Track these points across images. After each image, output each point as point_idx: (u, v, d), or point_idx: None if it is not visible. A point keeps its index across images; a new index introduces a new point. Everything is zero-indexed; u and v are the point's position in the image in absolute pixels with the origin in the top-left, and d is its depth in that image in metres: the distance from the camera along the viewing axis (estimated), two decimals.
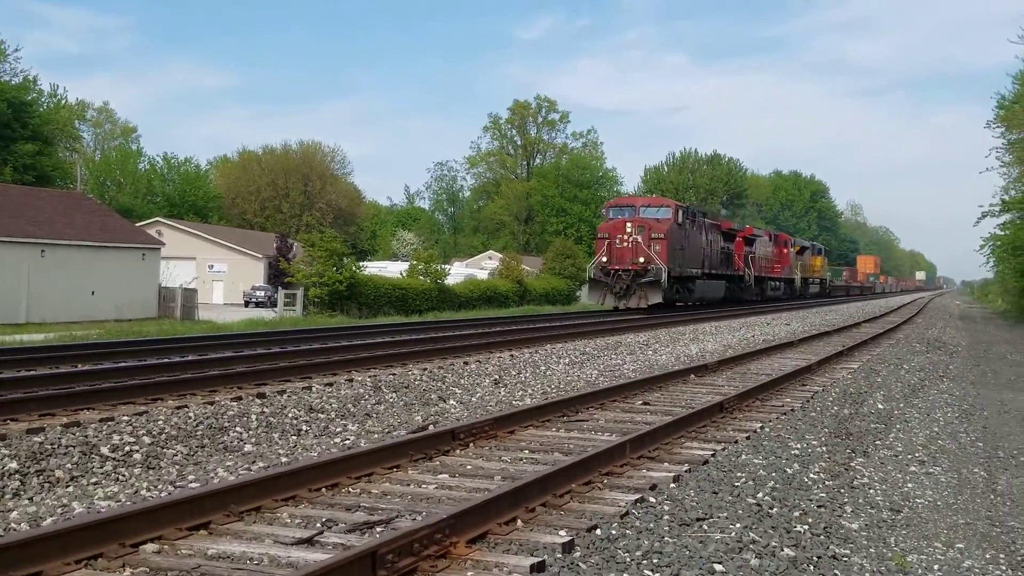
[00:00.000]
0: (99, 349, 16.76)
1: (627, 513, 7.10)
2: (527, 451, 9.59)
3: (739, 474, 8.53)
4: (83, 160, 72.09)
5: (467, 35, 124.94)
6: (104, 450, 9.05)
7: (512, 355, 19.11)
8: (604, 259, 38.65)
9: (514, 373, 16.66)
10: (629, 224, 38.76)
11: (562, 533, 6.52)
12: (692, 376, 16.23)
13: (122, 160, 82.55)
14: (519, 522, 6.74)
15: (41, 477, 8.21)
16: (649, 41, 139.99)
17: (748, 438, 10.51)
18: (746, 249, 53.17)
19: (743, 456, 9.37)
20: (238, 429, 10.65)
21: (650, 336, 25.90)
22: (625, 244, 38.61)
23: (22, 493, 7.84)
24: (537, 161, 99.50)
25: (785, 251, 63.83)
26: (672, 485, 8.05)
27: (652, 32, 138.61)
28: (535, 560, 5.84)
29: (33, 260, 29.82)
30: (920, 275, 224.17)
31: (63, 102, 72.88)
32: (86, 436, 9.35)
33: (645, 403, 13.03)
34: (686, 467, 8.78)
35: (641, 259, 37.91)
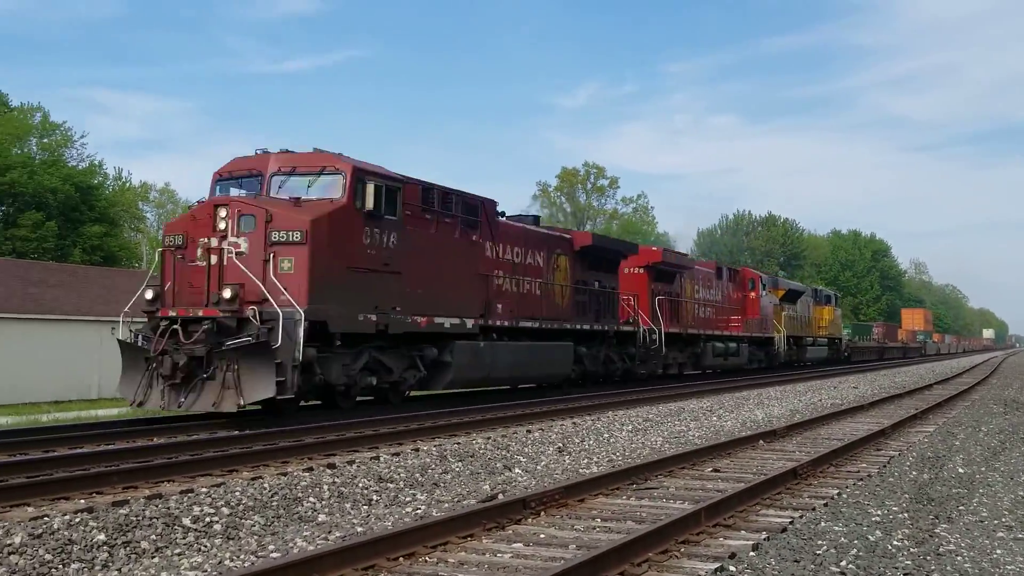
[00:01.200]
0: (172, 423, 17.09)
1: None
2: (599, 519, 9.62)
3: (820, 542, 8.48)
4: (147, 240, 73.75)
5: (509, 105, 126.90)
6: (186, 521, 9.25)
7: (574, 422, 19.13)
8: (149, 295, 17.56)
9: (577, 441, 16.68)
10: (224, 210, 17.41)
11: None
12: (761, 442, 16.14)
13: None
14: None
15: (128, 548, 8.41)
16: (696, 104, 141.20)
17: (826, 504, 10.43)
18: (654, 285, 33.45)
19: (822, 523, 9.31)
20: (311, 499, 10.80)
21: (713, 402, 25.75)
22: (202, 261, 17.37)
23: (111, 564, 8.04)
24: (588, 227, 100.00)
25: (750, 295, 43.94)
26: (752, 553, 8.02)
27: (699, 94, 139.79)
28: None
29: (105, 336, 30.53)
30: (988, 333, 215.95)
31: (127, 184, 74.83)
32: (168, 508, 9.56)
33: (715, 470, 12.99)
34: (764, 535, 8.75)
35: (227, 293, 16.69)
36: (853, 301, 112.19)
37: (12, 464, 11.40)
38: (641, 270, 33.26)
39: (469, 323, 22.13)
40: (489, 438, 16.05)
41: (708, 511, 9.18)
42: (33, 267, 36.62)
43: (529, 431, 17.35)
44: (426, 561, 7.78)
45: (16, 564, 7.72)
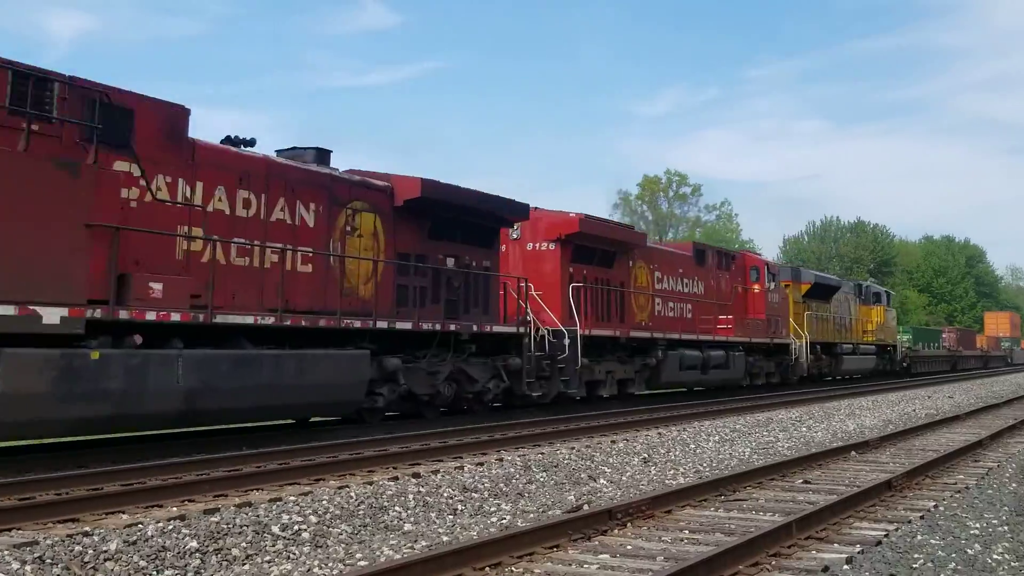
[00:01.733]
0: (258, 432, 17.39)
1: None
2: (687, 531, 9.48)
3: (916, 555, 8.24)
4: None
5: (589, 113, 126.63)
6: (275, 529, 9.37)
7: (659, 433, 18.95)
8: None
9: (663, 451, 16.51)
10: None
11: None
12: (853, 453, 15.78)
13: None
14: None
15: (219, 555, 8.54)
16: (781, 109, 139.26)
17: (922, 517, 10.14)
18: (573, 268, 24.16)
19: (918, 536, 9.04)
20: (397, 508, 10.86)
21: (802, 412, 25.29)
22: None
23: (203, 571, 8.17)
24: (670, 236, 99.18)
25: (752, 288, 34.04)
26: (846, 567, 7.82)
27: (784, 99, 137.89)
28: None
29: None
30: None
31: None
32: (258, 515, 9.70)
33: (805, 481, 12.72)
34: (858, 548, 8.53)
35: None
36: (947, 308, 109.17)
37: (108, 472, 11.68)
38: (551, 246, 23.80)
39: (51, 315, 12.02)
40: (573, 448, 15.98)
41: (799, 523, 9.00)
42: None
43: (614, 441, 17.23)
44: (512, 571, 7.75)
45: (112, 570, 7.89)
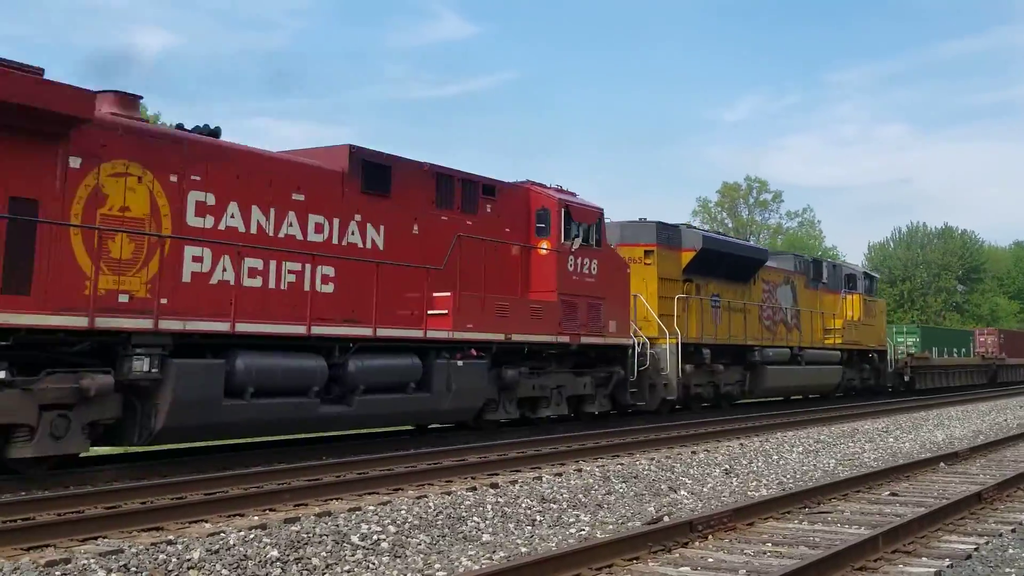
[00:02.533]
0: (337, 441, 17.54)
1: None
2: (769, 544, 9.29)
3: (1007, 569, 7.96)
4: None
5: (666, 120, 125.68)
6: (354, 539, 9.41)
7: (742, 444, 18.67)
8: None
9: (745, 463, 16.26)
10: None
11: None
12: (942, 464, 15.36)
13: None
14: None
15: (300, 565, 8.60)
16: (863, 113, 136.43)
17: (1013, 530, 9.80)
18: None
19: (1010, 550, 8.74)
20: (475, 519, 10.84)
21: (889, 422, 24.73)
22: None
23: None
24: (751, 243, 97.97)
25: (541, 248, 19.70)
26: None
27: (866, 104, 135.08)
28: None
29: None
30: None
31: None
32: (337, 525, 9.76)
33: (892, 494, 12.40)
34: (947, 562, 8.27)
35: None
36: None
37: (191, 482, 11.87)
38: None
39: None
40: (653, 459, 15.81)
41: (886, 536, 8.76)
42: None
43: (694, 452, 17.02)
44: None
45: None
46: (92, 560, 8.00)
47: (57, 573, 7.62)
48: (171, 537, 8.97)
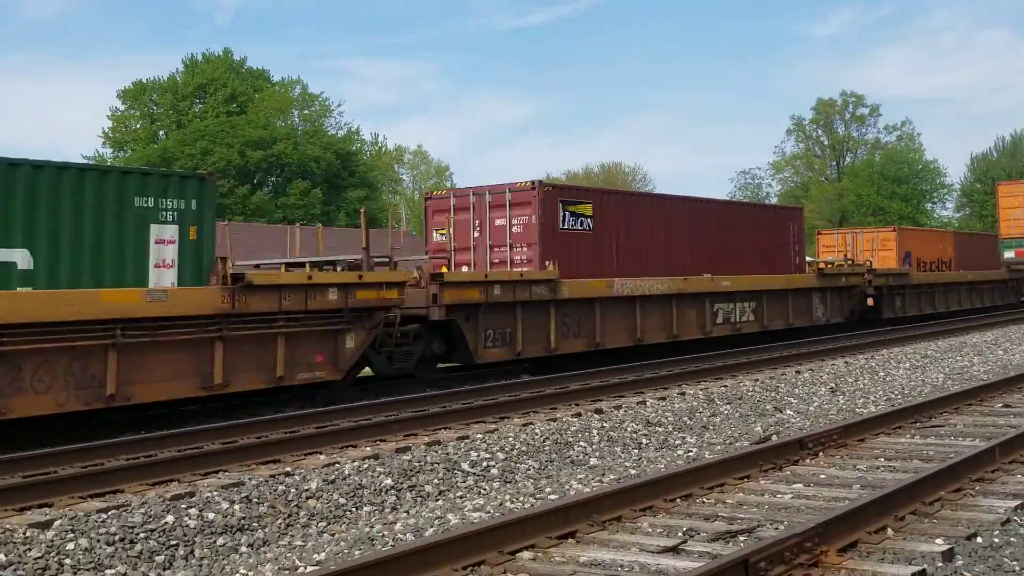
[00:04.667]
0: (445, 373, 17.78)
1: (1008, 520, 6.67)
2: (882, 459, 9.19)
3: None
4: (404, 201, 76.91)
5: (758, 38, 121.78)
6: (464, 466, 9.58)
7: (846, 362, 18.40)
8: None
9: (851, 380, 16.05)
10: None
11: (939, 541, 6.20)
12: None
13: None
14: (889, 531, 6.47)
15: (413, 492, 8.81)
16: (962, 20, 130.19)
17: None
18: None
19: None
20: (582, 444, 10.94)
21: (998, 335, 24.13)
22: None
23: (399, 507, 8.45)
24: (848, 160, 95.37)
25: None
26: None
27: (965, 10, 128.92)
28: (915, 569, 5.60)
29: None
30: None
31: (383, 149, 78.10)
32: (447, 453, 9.94)
33: (1006, 405, 12.13)
34: None
35: None
36: None
37: (302, 416, 12.18)
38: None
39: None
40: (757, 380, 15.69)
41: (1003, 447, 8.59)
42: (330, 234, 38.72)
43: (799, 372, 16.83)
44: (703, 502, 7.68)
45: (314, 508, 8.24)
46: (215, 492, 8.29)
47: (183, 505, 7.92)
48: (288, 469, 9.22)
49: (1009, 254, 37.31)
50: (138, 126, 59.06)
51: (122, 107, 59.57)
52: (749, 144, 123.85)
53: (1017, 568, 5.61)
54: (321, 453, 10.10)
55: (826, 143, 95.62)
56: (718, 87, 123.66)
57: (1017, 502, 7.06)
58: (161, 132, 58.13)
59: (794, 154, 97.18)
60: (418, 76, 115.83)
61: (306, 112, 63.30)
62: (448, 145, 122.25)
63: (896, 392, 14.49)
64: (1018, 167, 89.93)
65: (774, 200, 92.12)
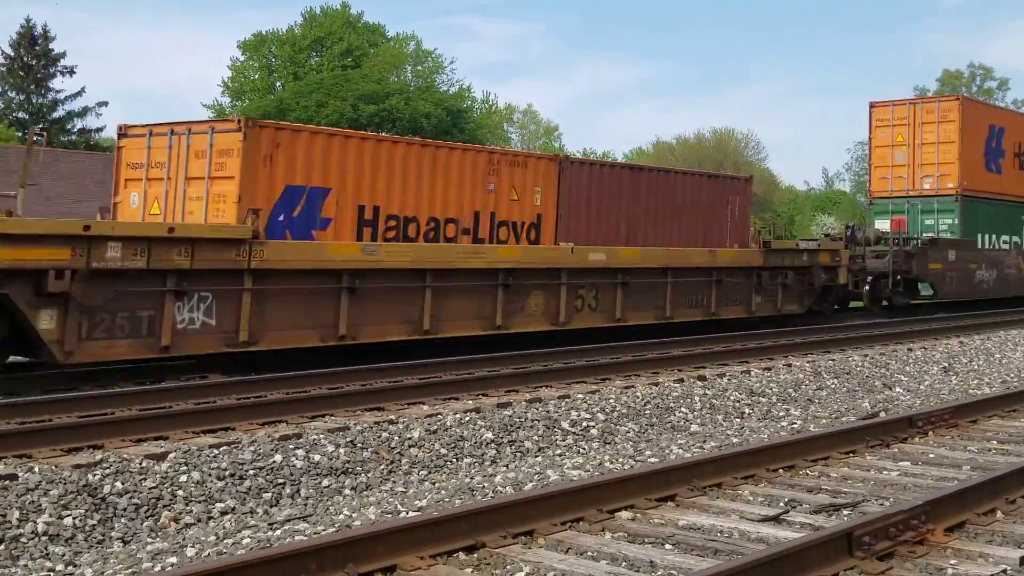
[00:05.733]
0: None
1: None
2: (995, 441, 8.93)
3: None
4: None
5: (882, 8, 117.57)
6: (564, 425, 9.63)
7: (961, 342, 17.86)
8: None
9: (965, 361, 15.60)
10: None
11: None
12: None
13: None
14: (999, 513, 6.31)
15: (513, 447, 8.90)
16: None
17: None
18: None
19: None
20: (683, 410, 10.88)
21: None
22: None
23: (499, 460, 8.55)
24: None
25: None
26: None
27: None
28: (1023, 552, 5.44)
29: None
30: None
31: (493, 107, 78.22)
32: (547, 411, 9.99)
33: None
34: None
35: None
36: None
37: (405, 367, 12.37)
38: None
39: None
40: (866, 355, 15.36)
41: None
42: None
43: (910, 349, 16.42)
44: (807, 474, 7.58)
45: (416, 456, 8.39)
46: (321, 436, 8.49)
47: (291, 446, 8.14)
48: (392, 417, 9.39)
49: (883, 224, 26.26)
50: (256, 77, 60.34)
51: (242, 58, 60.97)
52: (866, 116, 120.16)
53: None
54: (424, 404, 10.25)
55: None
56: (837, 58, 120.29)
57: None
58: (278, 83, 59.27)
59: None
60: (528, 36, 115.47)
61: (419, 68, 63.77)
62: (557, 106, 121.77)
63: (1012, 375, 14.04)
64: None
65: None
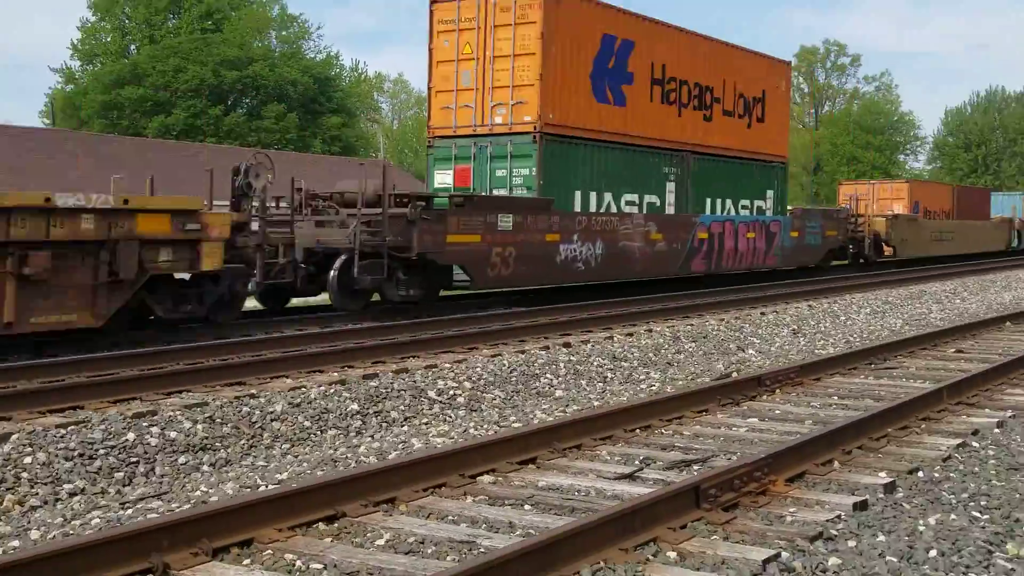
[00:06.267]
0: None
1: (949, 457, 6.93)
2: (836, 397, 9.46)
3: None
4: (383, 130, 76.51)
5: None
6: (431, 394, 9.75)
7: (810, 305, 18.70)
8: None
9: (813, 323, 16.34)
10: None
11: (882, 475, 6.45)
12: (1008, 324, 15.32)
13: (418, 128, 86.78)
14: (836, 464, 6.72)
15: (379, 417, 8.97)
16: None
17: None
18: None
19: None
20: (548, 376, 11.13)
21: (957, 284, 24.53)
22: None
23: (364, 431, 8.61)
24: (826, 108, 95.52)
25: None
26: (996, 430, 7.77)
27: None
28: (857, 499, 5.84)
29: None
30: None
31: (363, 76, 77.30)
32: (414, 381, 10.09)
33: (958, 351, 12.45)
34: (1010, 413, 8.41)
35: None
36: None
37: (270, 340, 12.27)
38: None
39: None
40: (722, 320, 15.94)
41: (950, 390, 8.88)
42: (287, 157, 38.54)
43: (763, 313, 17.11)
44: (662, 433, 7.91)
45: (278, 430, 8.38)
46: (177, 412, 8.34)
47: (145, 423, 7.97)
48: (253, 391, 9.32)
49: (445, 175, 19.24)
50: (108, 39, 57.86)
51: (93, 19, 58.31)
52: None
53: (953, 501, 5.85)
54: (288, 377, 10.19)
55: (806, 91, 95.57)
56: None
57: (959, 440, 7.33)
58: (132, 46, 57.11)
59: None
60: (401, 3, 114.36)
61: (284, 34, 62.39)
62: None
63: (855, 335, 14.80)
64: (990, 123, 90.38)
65: None
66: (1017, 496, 5.93)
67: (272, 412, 8.65)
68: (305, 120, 55.83)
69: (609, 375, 11.51)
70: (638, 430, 7.88)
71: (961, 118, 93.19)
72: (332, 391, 9.45)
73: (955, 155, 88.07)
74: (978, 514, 5.60)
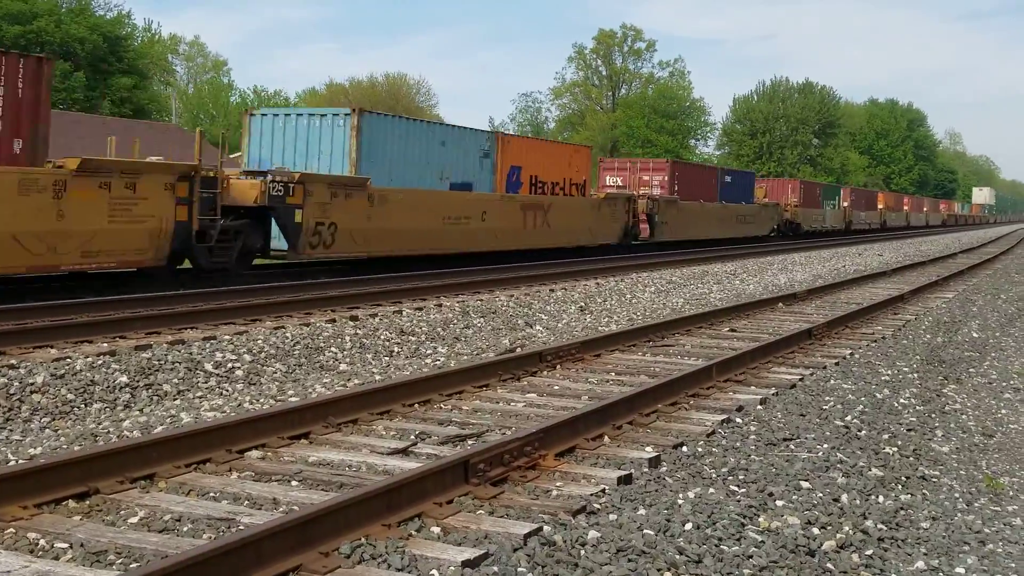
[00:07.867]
0: (198, 273, 17.27)
1: (713, 432, 7.22)
2: (613, 373, 9.73)
3: (827, 398, 8.56)
4: (177, 93, 73.49)
5: None
6: (208, 367, 9.43)
7: (598, 283, 19.19)
8: None
9: (600, 301, 16.76)
10: None
11: (648, 449, 6.67)
12: (780, 304, 16.18)
13: (214, 93, 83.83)
14: (606, 439, 6.90)
15: (150, 391, 8.60)
16: None
17: (837, 364, 10.50)
18: None
19: (831, 381, 9.38)
20: (333, 349, 10.96)
21: (738, 266, 25.74)
22: None
23: (132, 405, 8.24)
24: (623, 92, 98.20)
25: None
26: (759, 407, 8.14)
27: None
28: (622, 473, 6.00)
29: None
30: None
31: (157, 36, 74.07)
32: (191, 353, 9.73)
33: (732, 330, 13.05)
34: (773, 390, 8.85)
35: None
36: (886, 170, 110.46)
37: (36, 308, 11.58)
38: None
39: None
40: (512, 296, 16.15)
41: (720, 367, 9.27)
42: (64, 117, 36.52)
43: (552, 290, 17.43)
44: (440, 408, 7.91)
45: (38, 403, 7.91)
46: None
47: None
48: (13, 362, 8.78)
49: None
50: None
51: None
52: (533, 69, 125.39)
53: (713, 475, 6.10)
54: (53, 347, 9.66)
55: (604, 74, 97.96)
56: (507, 9, 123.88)
57: (723, 416, 7.66)
58: None
59: (573, 81, 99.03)
60: None
61: None
62: (228, 40, 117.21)
63: (638, 313, 15.28)
64: (774, 111, 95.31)
65: (552, 127, 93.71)
66: (773, 471, 6.23)
67: (32, 384, 8.16)
68: (94, 80, 52.96)
69: (396, 349, 11.45)
70: (417, 405, 7.87)
71: (748, 106, 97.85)
72: (100, 362, 9.02)
73: (742, 141, 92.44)
74: (735, 488, 5.85)
